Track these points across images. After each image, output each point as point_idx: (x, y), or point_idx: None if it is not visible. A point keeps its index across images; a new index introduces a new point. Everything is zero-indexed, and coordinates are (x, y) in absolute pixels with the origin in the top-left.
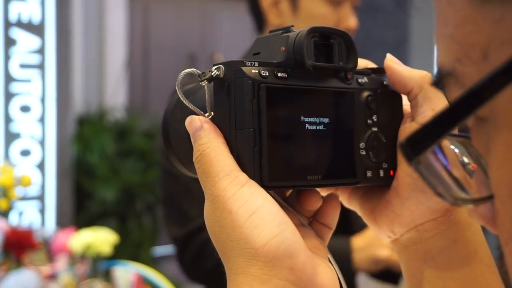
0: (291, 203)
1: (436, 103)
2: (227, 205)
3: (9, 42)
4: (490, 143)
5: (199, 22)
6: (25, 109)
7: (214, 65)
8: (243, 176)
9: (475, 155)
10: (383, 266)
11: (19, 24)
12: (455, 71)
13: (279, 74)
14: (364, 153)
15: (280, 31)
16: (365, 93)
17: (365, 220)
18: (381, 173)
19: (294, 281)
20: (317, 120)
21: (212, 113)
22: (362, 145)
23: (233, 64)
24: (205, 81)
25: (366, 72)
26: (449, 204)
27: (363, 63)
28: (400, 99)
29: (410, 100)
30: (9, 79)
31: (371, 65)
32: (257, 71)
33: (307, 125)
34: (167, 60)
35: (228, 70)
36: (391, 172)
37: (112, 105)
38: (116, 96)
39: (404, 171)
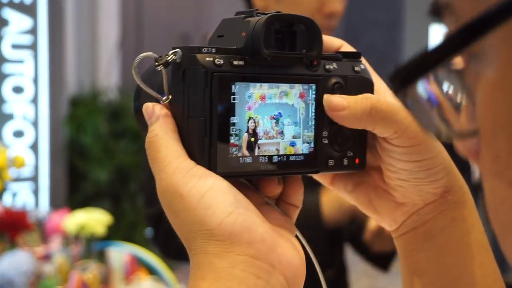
0: (255, 183)
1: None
2: (177, 188)
3: (1, 23)
4: (479, 80)
5: (192, 2)
6: (17, 90)
7: (172, 48)
8: (190, 162)
9: (467, 89)
10: (348, 213)
11: (11, 4)
12: (452, 3)
13: (235, 62)
14: (326, 141)
15: (244, 15)
16: (332, 80)
17: (365, 211)
18: (345, 161)
19: (253, 254)
20: (277, 95)
21: (170, 97)
22: (325, 133)
23: (189, 50)
24: (162, 66)
25: (337, 57)
26: (434, 136)
27: (337, 43)
28: (372, 85)
29: None
30: (1, 59)
31: (347, 47)
32: (211, 59)
33: (266, 100)
34: (160, 40)
35: (184, 56)
36: (357, 160)
37: (105, 85)
38: (109, 77)
39: (398, 174)
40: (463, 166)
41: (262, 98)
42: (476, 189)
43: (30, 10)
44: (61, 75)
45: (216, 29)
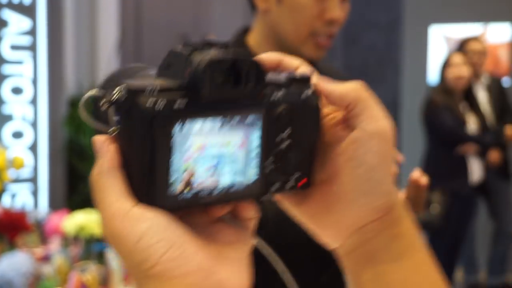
0: None
1: (374, 110)
2: (116, 234)
3: (0, 24)
4: None
5: (191, 2)
6: (17, 91)
7: (117, 87)
8: (128, 203)
9: None
10: None
11: (10, 5)
12: None
13: (176, 105)
14: (272, 167)
15: (189, 50)
16: (279, 109)
17: (308, 226)
18: (291, 183)
19: (189, 284)
20: (217, 144)
21: (116, 129)
22: (271, 159)
23: (133, 91)
24: (106, 104)
25: (285, 84)
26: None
27: (294, 64)
28: (319, 111)
29: (348, 111)
30: (0, 60)
31: (304, 68)
32: (152, 104)
33: (205, 151)
34: (159, 41)
35: (127, 96)
36: (303, 180)
37: None
38: None
39: (349, 175)
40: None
41: (201, 148)
42: (476, 191)
43: (29, 11)
44: (60, 76)
45: (164, 59)
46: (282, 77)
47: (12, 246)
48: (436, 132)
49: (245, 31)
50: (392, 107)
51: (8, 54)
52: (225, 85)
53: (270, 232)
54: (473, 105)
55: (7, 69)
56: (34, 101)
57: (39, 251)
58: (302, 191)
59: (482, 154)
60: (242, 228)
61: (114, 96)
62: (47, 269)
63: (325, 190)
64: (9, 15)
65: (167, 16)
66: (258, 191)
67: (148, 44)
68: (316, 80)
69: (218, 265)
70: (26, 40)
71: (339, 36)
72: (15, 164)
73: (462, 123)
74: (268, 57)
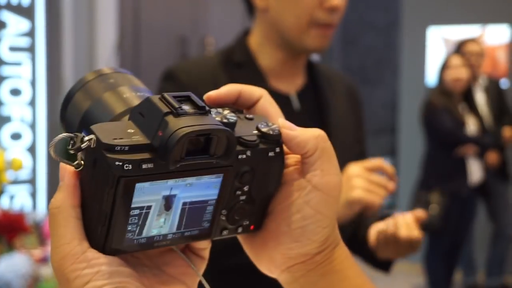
0: None
1: (326, 163)
2: (64, 274)
3: None
4: None
5: (190, 5)
6: (15, 92)
7: (88, 135)
8: (82, 247)
9: None
10: (358, 207)
11: (9, 6)
12: None
13: (143, 166)
14: (224, 218)
15: (168, 107)
16: (242, 169)
17: (250, 256)
18: (240, 229)
19: None
20: (177, 198)
21: (82, 165)
22: (224, 211)
23: (103, 145)
24: (75, 151)
25: (252, 144)
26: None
27: (256, 94)
28: (282, 166)
29: (304, 158)
30: None
31: (266, 98)
32: (121, 163)
33: (164, 204)
34: (158, 43)
35: (97, 148)
36: (252, 227)
37: None
38: None
39: (285, 219)
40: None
41: (160, 201)
42: (475, 192)
43: (28, 13)
44: (59, 77)
45: (140, 104)
46: (252, 130)
47: (10, 247)
48: (435, 134)
49: (246, 33)
50: (390, 108)
51: (7, 55)
52: (194, 153)
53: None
54: (472, 106)
55: (5, 70)
56: (32, 103)
57: (38, 252)
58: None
59: (481, 155)
60: (193, 260)
61: (84, 144)
62: (46, 271)
63: (265, 227)
64: (7, 16)
65: (166, 18)
66: (209, 235)
67: (146, 46)
68: (281, 123)
69: None
70: (24, 42)
71: (337, 37)
72: (14, 165)
73: (461, 124)
74: (227, 90)
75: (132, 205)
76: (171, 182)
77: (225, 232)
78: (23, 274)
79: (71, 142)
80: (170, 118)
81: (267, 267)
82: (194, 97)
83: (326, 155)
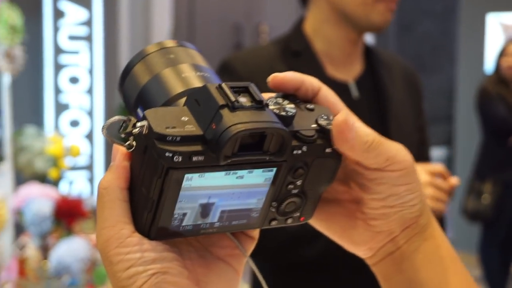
0: None
1: (388, 153)
2: (108, 256)
3: (58, 14)
4: None
5: None
6: (73, 80)
7: (143, 117)
8: (128, 229)
9: None
10: None
11: None
12: None
13: (194, 158)
14: (274, 210)
15: (224, 99)
16: (297, 164)
17: (337, 240)
18: (289, 220)
19: None
20: (226, 190)
21: (134, 146)
22: (274, 204)
23: (155, 133)
24: (126, 135)
25: (309, 140)
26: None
27: (315, 86)
28: (339, 162)
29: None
30: (57, 50)
31: (325, 91)
32: (171, 154)
33: (212, 201)
34: (212, 31)
35: (148, 135)
36: (302, 218)
37: None
38: None
39: (385, 201)
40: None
41: (208, 193)
42: None
43: (86, 2)
44: (116, 65)
45: (198, 91)
46: (311, 123)
47: (69, 232)
48: (489, 122)
49: (302, 20)
50: (448, 96)
51: (65, 44)
52: (247, 149)
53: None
54: None
55: (64, 59)
56: (90, 91)
57: (95, 238)
58: (328, 204)
59: None
60: (242, 240)
61: (136, 129)
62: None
63: (356, 207)
64: (66, 6)
65: (220, 6)
66: (258, 225)
67: (201, 34)
68: (345, 117)
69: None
70: (82, 31)
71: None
72: (72, 152)
73: None
74: (293, 76)
75: (180, 196)
76: (220, 175)
77: (274, 223)
78: (81, 258)
79: (123, 125)
80: (225, 112)
81: (367, 245)
82: (252, 88)
83: (383, 145)
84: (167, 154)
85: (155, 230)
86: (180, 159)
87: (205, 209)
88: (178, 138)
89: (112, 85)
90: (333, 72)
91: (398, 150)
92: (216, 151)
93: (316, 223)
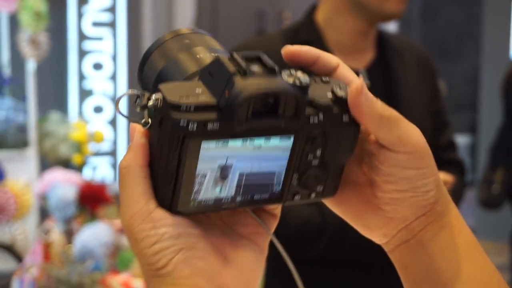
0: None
1: (400, 129)
2: (133, 234)
3: (82, 1)
4: None
5: None
6: (97, 66)
7: (157, 90)
8: (150, 206)
9: None
10: None
11: None
12: None
13: (209, 126)
14: (296, 183)
15: (236, 67)
16: (314, 132)
17: (352, 224)
18: (313, 195)
19: (194, 286)
20: (244, 160)
21: (150, 123)
22: (295, 176)
23: (169, 104)
24: (141, 108)
25: (325, 108)
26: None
27: (333, 62)
28: (357, 133)
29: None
30: (81, 37)
31: (343, 68)
32: (185, 122)
33: (231, 169)
34: (235, 18)
35: (163, 107)
36: (325, 193)
37: None
38: None
39: (397, 185)
40: None
41: (226, 163)
42: None
43: None
44: (139, 52)
45: (210, 64)
46: (326, 93)
47: (93, 217)
48: (508, 109)
49: (313, 9)
50: (472, 83)
51: (89, 30)
52: (262, 115)
53: (331, 239)
54: None
55: (88, 45)
56: (113, 77)
57: (119, 222)
58: (344, 188)
59: None
60: (265, 218)
61: (151, 102)
62: (126, 240)
63: (370, 190)
64: None
65: None
66: (280, 200)
67: (224, 21)
68: (353, 89)
69: (223, 269)
70: (106, 17)
71: (417, 9)
72: (96, 138)
73: None
74: (308, 50)
75: (198, 166)
76: (236, 144)
77: (297, 197)
78: (105, 242)
79: (138, 99)
80: (237, 79)
81: (381, 231)
82: (264, 57)
83: (394, 121)
84: (181, 122)
85: (177, 203)
86: (195, 127)
87: (224, 171)
88: (192, 108)
89: (135, 71)
90: (344, 61)
91: (412, 132)
92: (231, 117)
93: (333, 206)
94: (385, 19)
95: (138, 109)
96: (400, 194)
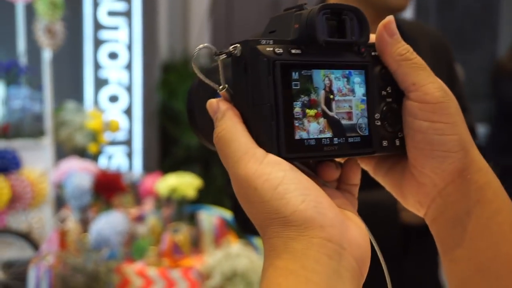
0: (313, 169)
1: (418, 77)
2: (251, 183)
3: None
4: None
5: None
6: (113, 56)
7: (231, 44)
8: (261, 152)
9: None
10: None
11: None
12: None
13: (293, 51)
14: (379, 123)
15: (294, 9)
16: (379, 66)
17: (395, 195)
18: (397, 142)
19: (326, 237)
20: (331, 93)
21: (226, 86)
22: (377, 115)
23: (249, 43)
24: (220, 57)
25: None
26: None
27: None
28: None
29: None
30: (97, 26)
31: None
32: (271, 48)
33: (323, 99)
34: (250, 6)
35: (244, 49)
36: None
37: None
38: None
39: (414, 139)
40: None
41: (319, 95)
42: None
43: None
44: (154, 42)
45: (267, 26)
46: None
47: (108, 205)
48: (497, 101)
49: (321, 2)
50: (489, 73)
51: (105, 20)
52: (332, 35)
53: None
54: None
55: (103, 34)
56: (129, 66)
57: (134, 211)
58: (402, 153)
59: None
60: (348, 195)
61: (231, 50)
62: (141, 229)
63: (401, 160)
64: None
65: None
66: (370, 145)
67: (239, 10)
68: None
69: (347, 223)
70: (121, 7)
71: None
72: (111, 127)
73: None
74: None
75: (294, 97)
76: (322, 73)
77: (385, 143)
78: (120, 231)
79: (215, 51)
80: (302, 11)
81: (416, 198)
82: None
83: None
84: (268, 49)
85: (284, 146)
86: (281, 50)
87: (315, 104)
88: (271, 41)
89: (150, 61)
90: None
91: (429, 82)
92: (308, 37)
93: (379, 178)
94: (389, 12)
95: (216, 57)
96: (420, 152)
